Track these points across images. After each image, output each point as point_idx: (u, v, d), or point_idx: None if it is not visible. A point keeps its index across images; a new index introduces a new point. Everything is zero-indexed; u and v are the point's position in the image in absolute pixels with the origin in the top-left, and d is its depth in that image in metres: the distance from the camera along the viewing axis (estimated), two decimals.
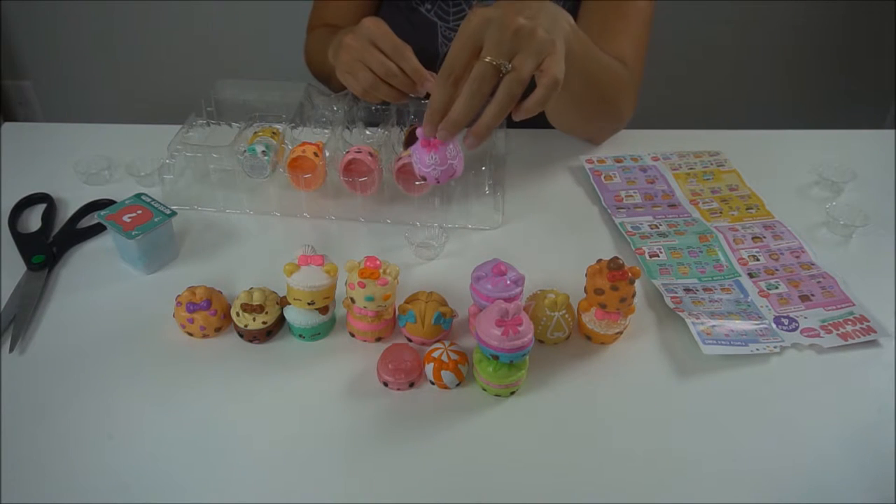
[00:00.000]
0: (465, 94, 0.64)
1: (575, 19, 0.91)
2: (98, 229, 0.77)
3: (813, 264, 0.74)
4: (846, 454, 0.57)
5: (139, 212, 0.71)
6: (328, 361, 0.64)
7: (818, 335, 0.66)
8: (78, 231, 0.77)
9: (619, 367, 0.64)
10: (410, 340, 0.65)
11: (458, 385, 0.61)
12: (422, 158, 0.69)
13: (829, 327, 0.67)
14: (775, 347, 0.64)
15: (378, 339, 0.65)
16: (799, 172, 0.89)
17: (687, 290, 0.71)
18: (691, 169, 0.89)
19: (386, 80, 0.77)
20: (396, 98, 0.78)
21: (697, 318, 0.66)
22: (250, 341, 0.65)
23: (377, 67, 0.76)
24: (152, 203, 0.73)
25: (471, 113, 0.65)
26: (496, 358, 0.58)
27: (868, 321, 0.67)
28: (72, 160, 0.84)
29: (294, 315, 0.64)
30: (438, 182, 0.70)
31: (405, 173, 0.77)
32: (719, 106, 2.03)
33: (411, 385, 0.61)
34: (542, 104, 0.65)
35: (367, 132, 0.88)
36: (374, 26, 0.77)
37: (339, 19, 0.99)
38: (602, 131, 0.93)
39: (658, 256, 0.75)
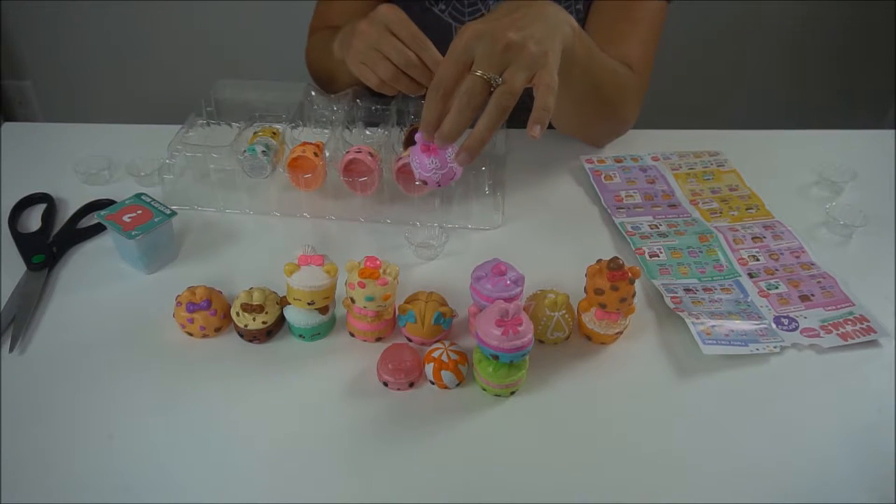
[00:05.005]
0: (455, 108, 0.63)
1: (585, 19, 0.91)
2: (98, 229, 0.77)
3: (813, 264, 0.74)
4: (846, 454, 0.57)
5: (139, 212, 0.71)
6: (328, 361, 0.64)
7: (818, 335, 0.66)
8: (78, 231, 0.77)
9: (619, 367, 0.64)
10: (410, 340, 0.65)
11: (458, 385, 0.61)
12: (421, 162, 0.68)
13: (829, 327, 0.67)
14: (775, 347, 0.64)
15: (378, 339, 0.65)
16: (799, 172, 0.89)
17: (687, 290, 0.71)
18: (691, 169, 0.89)
19: (404, 70, 0.73)
20: (416, 90, 0.75)
21: (697, 318, 0.66)
22: (250, 341, 0.65)
23: (395, 56, 0.72)
24: (152, 203, 0.73)
25: (461, 127, 0.64)
26: (496, 358, 0.58)
27: (868, 321, 0.67)
28: (72, 160, 0.84)
29: (294, 315, 0.64)
30: (439, 185, 0.70)
31: (405, 173, 0.77)
32: (719, 106, 2.03)
33: (411, 385, 0.61)
34: (547, 109, 0.63)
35: (367, 132, 0.88)
36: (391, 12, 0.73)
37: (345, 22, 0.98)
38: (604, 135, 0.93)
39: (658, 256, 0.75)
